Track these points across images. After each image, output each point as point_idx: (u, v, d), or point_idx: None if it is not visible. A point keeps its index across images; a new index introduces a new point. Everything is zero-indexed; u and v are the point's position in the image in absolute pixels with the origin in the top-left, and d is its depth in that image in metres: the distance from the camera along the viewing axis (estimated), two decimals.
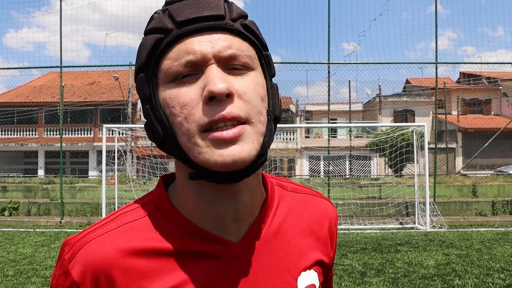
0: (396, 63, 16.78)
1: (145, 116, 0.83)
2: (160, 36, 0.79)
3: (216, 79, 0.75)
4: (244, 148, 0.75)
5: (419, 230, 12.65)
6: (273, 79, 0.89)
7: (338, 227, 1.05)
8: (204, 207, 0.85)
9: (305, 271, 0.92)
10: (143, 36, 0.83)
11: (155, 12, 0.84)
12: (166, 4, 0.83)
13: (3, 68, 18.73)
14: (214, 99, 0.75)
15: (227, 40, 0.79)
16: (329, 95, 16.08)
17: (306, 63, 16.38)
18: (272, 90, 0.85)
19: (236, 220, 0.86)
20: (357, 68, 17.83)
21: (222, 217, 0.85)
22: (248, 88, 0.78)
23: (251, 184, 0.85)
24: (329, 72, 15.85)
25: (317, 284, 0.94)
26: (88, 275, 0.80)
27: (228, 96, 0.75)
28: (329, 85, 16.00)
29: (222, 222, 0.85)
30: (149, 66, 0.81)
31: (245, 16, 0.84)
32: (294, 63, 16.76)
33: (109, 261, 0.81)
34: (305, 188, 1.04)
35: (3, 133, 36.61)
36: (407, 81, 40.05)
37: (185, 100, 0.77)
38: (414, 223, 13.57)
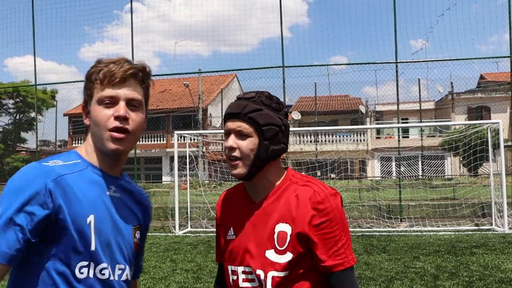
0: (467, 58, 16.14)
1: None
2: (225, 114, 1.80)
3: (230, 139, 1.72)
4: (238, 170, 1.73)
5: (496, 232, 12.19)
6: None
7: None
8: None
9: (280, 223, 1.71)
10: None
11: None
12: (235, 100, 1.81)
13: (81, 81, 19.70)
14: (227, 149, 1.75)
15: (239, 123, 1.72)
16: (397, 94, 15.84)
17: (373, 63, 16.21)
18: (262, 146, 1.71)
19: (255, 194, 1.81)
20: (426, 66, 17.38)
21: (250, 191, 1.83)
22: (245, 145, 1.71)
23: (259, 181, 1.78)
24: (397, 71, 15.60)
25: (289, 230, 1.69)
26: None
27: (232, 148, 1.72)
28: (397, 84, 15.77)
29: (252, 193, 1.82)
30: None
31: (255, 110, 1.71)
32: (361, 63, 16.63)
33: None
34: (304, 183, 1.78)
35: (82, 141, 38.29)
36: (482, 77, 38.40)
37: (225, 145, 1.76)
38: (491, 225, 13.08)
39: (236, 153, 1.71)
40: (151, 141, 37.11)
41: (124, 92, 1.60)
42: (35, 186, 1.46)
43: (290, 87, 23.14)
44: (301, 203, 1.69)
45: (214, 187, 17.91)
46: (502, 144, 12.74)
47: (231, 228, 1.84)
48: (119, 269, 1.62)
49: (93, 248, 1.53)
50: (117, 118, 1.57)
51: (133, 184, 1.84)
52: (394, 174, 29.79)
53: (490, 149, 13.81)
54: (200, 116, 32.27)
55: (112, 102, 1.58)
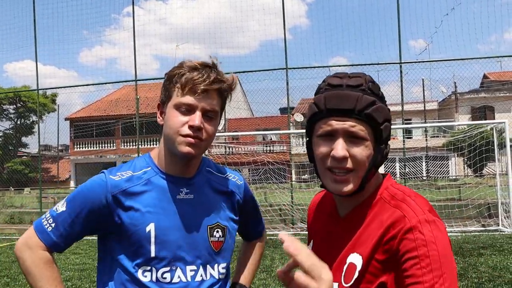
0: (472, 58, 16.01)
1: (307, 147, 1.42)
2: (316, 110, 1.32)
3: (339, 146, 1.26)
4: (349, 188, 1.29)
5: (503, 233, 12.07)
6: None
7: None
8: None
9: (353, 253, 1.31)
10: (314, 95, 1.38)
11: (319, 87, 1.38)
12: (327, 86, 1.33)
13: (82, 85, 19.71)
14: (335, 160, 1.27)
15: (352, 123, 1.27)
16: (402, 95, 15.73)
17: (377, 64, 16.09)
18: (379, 151, 1.32)
19: (342, 205, 1.41)
20: (430, 66, 17.28)
21: (338, 200, 1.43)
22: (360, 152, 1.27)
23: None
24: (401, 72, 15.48)
25: (359, 264, 1.28)
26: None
27: (344, 158, 1.27)
28: (401, 85, 15.65)
29: (339, 203, 1.43)
30: (309, 123, 1.37)
31: (371, 104, 1.28)
32: (365, 64, 16.49)
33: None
34: (397, 202, 1.32)
35: (83, 146, 38.36)
36: (485, 76, 38.26)
37: (322, 151, 1.30)
38: (498, 225, 12.95)
39: (349, 164, 1.27)
40: (153, 144, 37.02)
41: (203, 104, 1.61)
42: (94, 199, 1.63)
43: (291, 89, 23.01)
44: (384, 232, 1.25)
45: None
46: (508, 144, 12.61)
47: (312, 242, 1.53)
48: (191, 270, 1.67)
49: (152, 254, 1.62)
50: (191, 127, 1.59)
51: (214, 171, 1.85)
52: (398, 175, 29.66)
53: (496, 149, 13.69)
54: None
55: (188, 110, 1.60)
